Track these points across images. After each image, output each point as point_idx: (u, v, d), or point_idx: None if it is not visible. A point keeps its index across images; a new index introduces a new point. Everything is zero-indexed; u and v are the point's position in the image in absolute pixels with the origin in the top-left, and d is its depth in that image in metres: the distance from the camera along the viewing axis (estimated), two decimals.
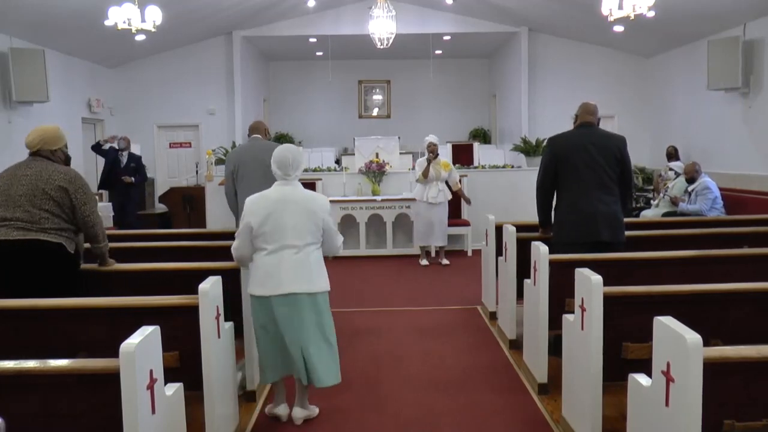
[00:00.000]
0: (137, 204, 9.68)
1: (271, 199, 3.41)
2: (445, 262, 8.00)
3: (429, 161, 7.69)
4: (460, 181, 8.14)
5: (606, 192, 4.18)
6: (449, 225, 8.30)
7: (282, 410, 3.56)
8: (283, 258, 3.34)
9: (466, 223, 8.63)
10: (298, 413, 3.52)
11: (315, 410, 3.62)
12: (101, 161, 9.62)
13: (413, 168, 8.95)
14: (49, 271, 3.37)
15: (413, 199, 8.37)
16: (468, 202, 8.21)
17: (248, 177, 4.89)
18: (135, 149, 11.28)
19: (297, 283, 3.34)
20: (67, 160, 3.69)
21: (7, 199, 3.39)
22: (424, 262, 8.02)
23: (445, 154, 10.56)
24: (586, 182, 4.17)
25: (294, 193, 3.43)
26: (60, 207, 3.41)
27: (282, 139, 13.46)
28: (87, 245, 3.70)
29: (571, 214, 4.21)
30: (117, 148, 9.18)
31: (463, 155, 10.61)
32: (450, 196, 7.90)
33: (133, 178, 9.15)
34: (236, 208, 5.05)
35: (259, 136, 5.20)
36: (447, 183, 7.91)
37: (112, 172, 9.07)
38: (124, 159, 9.19)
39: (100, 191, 9.52)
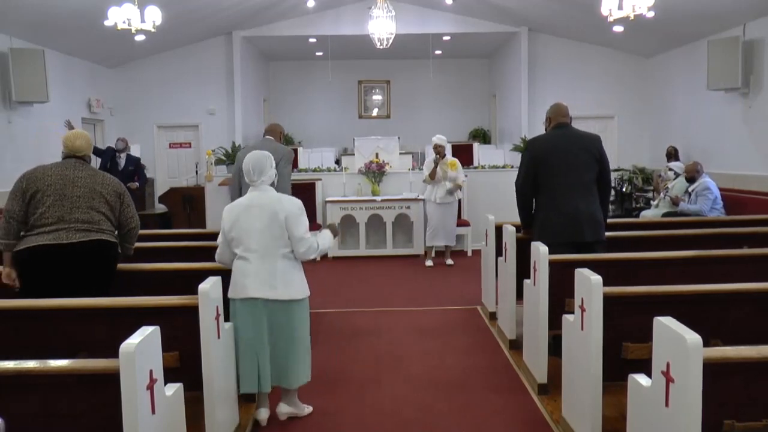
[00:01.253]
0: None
1: (241, 205, 3.45)
2: (450, 262, 8.02)
3: (436, 162, 7.73)
4: (462, 182, 8.10)
5: (586, 192, 4.20)
6: None
7: (262, 414, 3.53)
8: (249, 262, 3.36)
9: (466, 224, 8.63)
10: (283, 408, 3.52)
11: (304, 409, 3.62)
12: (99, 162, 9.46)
13: (417, 168, 9.04)
14: (107, 269, 3.56)
15: (413, 200, 8.40)
16: (458, 188, 7.91)
17: None
18: (135, 150, 11.26)
19: (260, 289, 3.33)
20: None
21: (62, 199, 3.45)
22: (429, 262, 8.04)
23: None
24: (566, 183, 4.18)
25: (261, 198, 3.43)
26: (112, 211, 3.60)
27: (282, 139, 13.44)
28: None
29: (553, 216, 4.22)
30: (115, 148, 8.93)
31: (462, 155, 10.59)
32: (460, 196, 7.94)
33: (137, 184, 8.87)
34: None
35: (272, 138, 5.26)
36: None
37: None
38: (122, 161, 8.87)
39: None
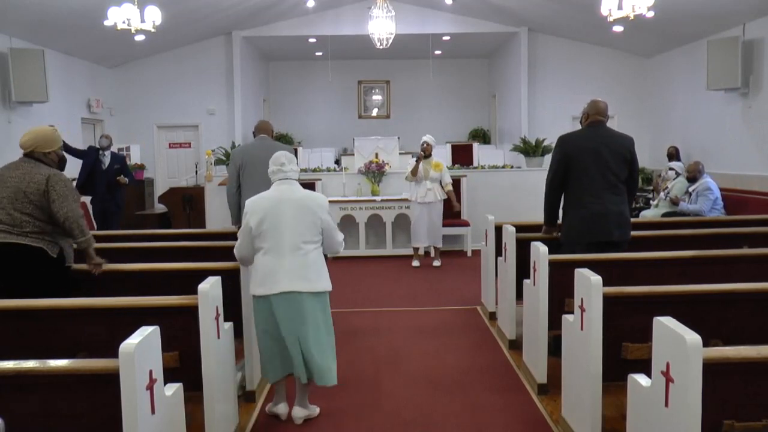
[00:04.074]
0: (121, 209, 8.35)
1: (269, 198, 3.44)
2: (436, 263, 7.90)
3: (418, 160, 7.64)
4: (453, 184, 7.98)
5: (615, 192, 4.21)
6: (448, 225, 8.30)
7: (282, 409, 3.57)
8: (281, 256, 3.35)
9: (465, 224, 8.63)
10: (298, 412, 3.52)
11: (315, 410, 3.63)
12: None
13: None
14: (30, 274, 3.39)
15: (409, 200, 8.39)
16: (456, 207, 7.94)
17: (255, 175, 4.88)
18: (135, 150, 11.27)
19: (295, 281, 3.34)
20: (61, 162, 3.69)
21: None
22: (415, 263, 7.94)
23: (445, 154, 10.59)
24: (596, 182, 4.17)
25: (291, 192, 3.45)
26: (40, 210, 3.43)
27: (282, 139, 13.45)
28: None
29: (581, 215, 4.21)
30: (98, 147, 8.30)
31: (462, 155, 10.62)
32: (444, 197, 7.80)
33: (127, 179, 8.16)
34: (235, 205, 5.08)
35: (266, 136, 5.21)
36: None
37: (91, 175, 7.97)
38: (107, 160, 8.10)
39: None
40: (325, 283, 3.46)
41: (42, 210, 3.44)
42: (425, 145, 7.68)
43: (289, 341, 3.35)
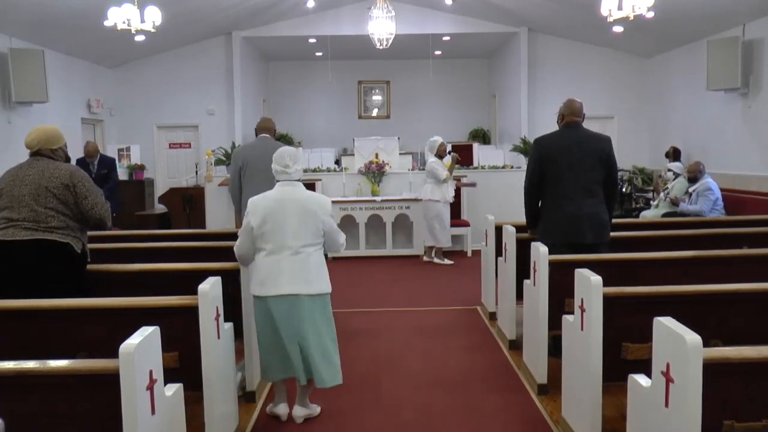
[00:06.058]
0: (116, 215, 7.86)
1: (272, 199, 3.43)
2: (448, 262, 8.16)
3: (455, 160, 8.05)
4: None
5: (590, 194, 4.18)
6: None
7: (282, 409, 3.57)
8: (282, 258, 3.35)
9: (465, 224, 8.63)
10: (299, 411, 3.53)
11: (316, 409, 3.63)
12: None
13: (418, 168, 9.20)
14: (57, 270, 3.39)
15: (413, 200, 8.40)
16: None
17: (256, 175, 4.85)
18: (135, 150, 11.26)
19: (295, 284, 3.34)
20: (67, 160, 3.71)
21: (12, 200, 3.40)
22: (447, 261, 8.14)
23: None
24: (571, 183, 4.16)
25: (294, 193, 3.44)
26: (64, 204, 3.43)
27: (282, 139, 13.42)
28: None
29: (556, 216, 4.21)
30: (84, 158, 8.08)
31: (462, 155, 10.61)
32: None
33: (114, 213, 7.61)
34: (239, 203, 5.04)
35: (268, 135, 5.16)
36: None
37: None
38: (95, 168, 7.97)
39: None
40: (324, 285, 3.45)
41: (66, 205, 3.43)
42: (446, 146, 8.07)
43: (288, 343, 3.35)
